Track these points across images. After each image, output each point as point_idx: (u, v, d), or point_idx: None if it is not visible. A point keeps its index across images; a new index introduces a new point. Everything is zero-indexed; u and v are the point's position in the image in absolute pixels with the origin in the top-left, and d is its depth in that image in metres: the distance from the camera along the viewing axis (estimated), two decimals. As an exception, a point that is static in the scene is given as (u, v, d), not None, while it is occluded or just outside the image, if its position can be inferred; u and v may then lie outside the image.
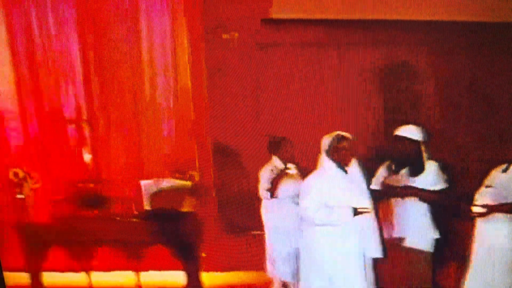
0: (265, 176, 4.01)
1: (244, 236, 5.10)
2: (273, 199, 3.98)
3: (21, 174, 5.33)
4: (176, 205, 5.04)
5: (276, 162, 4.02)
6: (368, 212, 3.48)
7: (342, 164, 3.47)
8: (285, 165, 3.95)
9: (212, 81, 4.66)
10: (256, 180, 4.95)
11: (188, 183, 5.00)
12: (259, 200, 4.98)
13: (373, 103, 4.46)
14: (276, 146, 4.01)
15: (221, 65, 4.62)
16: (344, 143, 3.44)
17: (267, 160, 4.89)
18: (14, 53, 5.08)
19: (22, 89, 5.16)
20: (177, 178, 5.04)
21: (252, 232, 5.10)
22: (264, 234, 5.05)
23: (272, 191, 3.94)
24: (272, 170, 3.98)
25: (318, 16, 4.33)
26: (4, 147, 5.28)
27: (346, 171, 3.48)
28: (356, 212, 3.48)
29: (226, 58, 4.60)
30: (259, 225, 5.06)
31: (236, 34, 4.48)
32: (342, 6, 4.30)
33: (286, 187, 3.95)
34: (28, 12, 4.95)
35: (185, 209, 5.06)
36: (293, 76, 4.49)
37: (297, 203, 3.85)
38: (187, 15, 4.56)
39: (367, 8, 4.23)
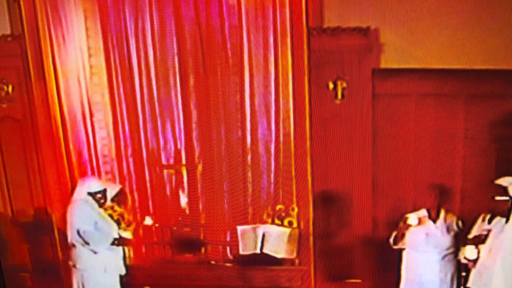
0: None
1: (340, 284, 5.02)
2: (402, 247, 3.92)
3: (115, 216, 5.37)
4: (273, 251, 5.01)
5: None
6: None
7: None
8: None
9: (315, 130, 4.65)
10: (354, 228, 4.90)
11: (286, 229, 4.96)
12: (357, 248, 4.94)
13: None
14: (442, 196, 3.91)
15: (325, 114, 4.61)
16: None
17: (368, 209, 4.85)
18: (112, 97, 5.15)
19: (118, 132, 5.22)
20: (275, 224, 5.00)
21: (348, 281, 5.03)
22: (359, 282, 5.00)
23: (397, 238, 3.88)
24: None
25: (431, 66, 4.30)
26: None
27: None
28: None
29: (331, 108, 4.58)
30: (355, 274, 5.00)
31: (344, 84, 4.47)
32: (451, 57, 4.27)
33: (411, 236, 3.89)
34: (130, 57, 5.04)
35: (281, 255, 5.02)
36: (406, 127, 4.45)
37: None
38: (294, 67, 4.58)
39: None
